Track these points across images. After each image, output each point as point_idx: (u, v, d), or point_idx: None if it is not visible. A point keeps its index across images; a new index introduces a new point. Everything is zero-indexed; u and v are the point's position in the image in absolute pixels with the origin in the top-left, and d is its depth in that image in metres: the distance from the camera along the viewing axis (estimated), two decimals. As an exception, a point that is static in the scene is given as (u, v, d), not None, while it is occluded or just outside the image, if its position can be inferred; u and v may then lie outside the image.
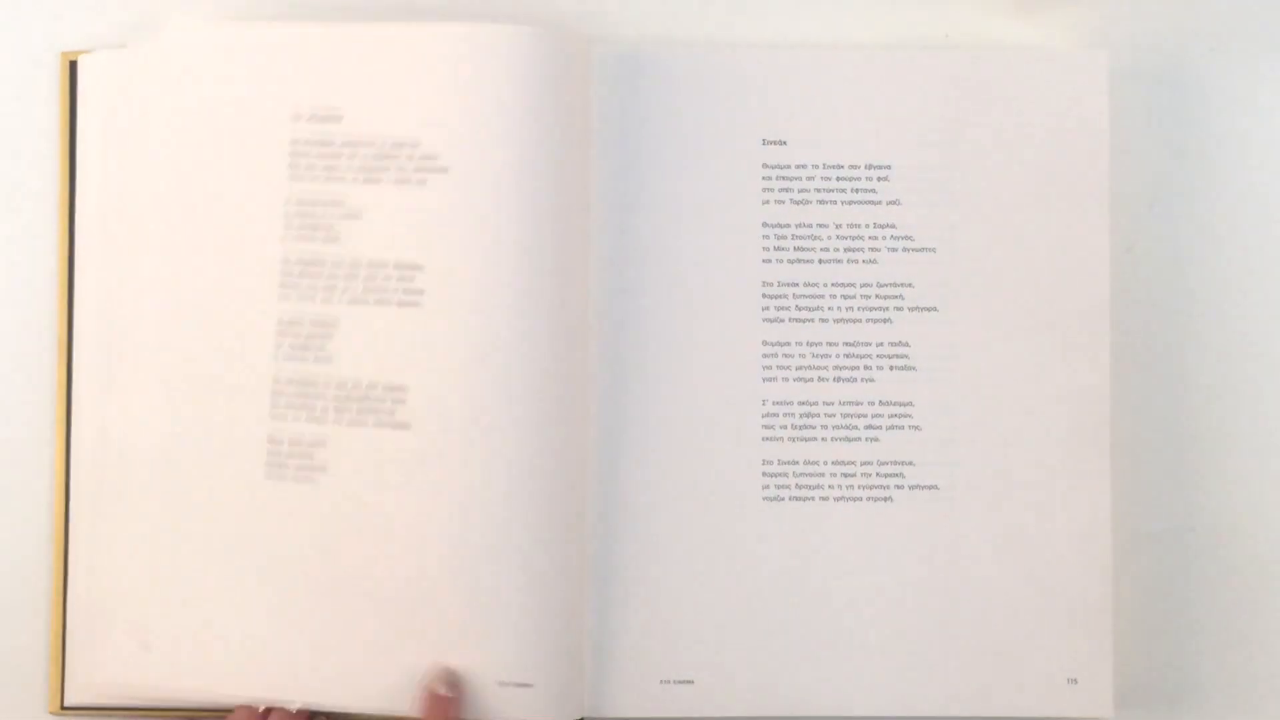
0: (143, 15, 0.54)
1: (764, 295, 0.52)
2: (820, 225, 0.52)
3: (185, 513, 0.51)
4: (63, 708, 0.52)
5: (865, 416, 0.52)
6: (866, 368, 0.52)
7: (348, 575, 0.49)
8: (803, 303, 0.52)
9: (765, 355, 0.52)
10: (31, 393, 0.53)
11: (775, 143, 0.52)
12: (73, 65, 0.53)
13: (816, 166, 0.52)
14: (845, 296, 0.52)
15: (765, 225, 0.52)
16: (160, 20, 0.52)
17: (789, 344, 0.52)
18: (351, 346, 0.50)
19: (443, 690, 0.48)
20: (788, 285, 0.52)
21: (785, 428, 0.52)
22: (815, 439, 0.52)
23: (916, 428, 0.52)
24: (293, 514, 0.50)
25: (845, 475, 0.52)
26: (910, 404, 0.52)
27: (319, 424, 0.50)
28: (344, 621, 0.50)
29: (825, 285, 0.52)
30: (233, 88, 0.51)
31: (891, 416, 0.52)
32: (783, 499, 0.52)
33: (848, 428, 0.52)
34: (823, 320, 0.52)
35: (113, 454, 0.51)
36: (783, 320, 0.52)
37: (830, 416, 0.52)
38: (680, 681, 0.51)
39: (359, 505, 0.49)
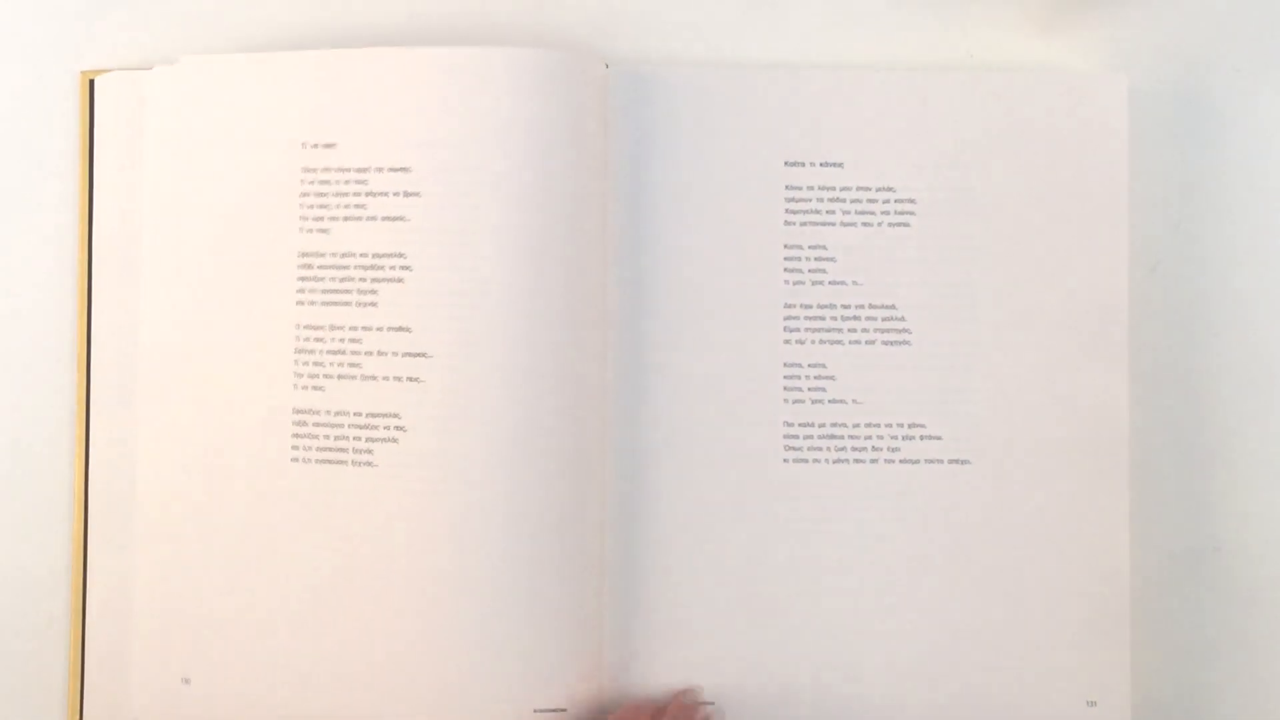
0: (163, 37, 0.54)
1: (786, 317, 0.52)
2: (841, 246, 0.52)
3: (215, 540, 0.51)
4: (80, 727, 0.52)
5: (884, 438, 0.52)
6: (886, 390, 0.52)
7: (383, 603, 0.50)
8: (823, 324, 0.52)
9: (787, 378, 0.52)
10: (51, 411, 0.53)
11: (797, 164, 0.52)
12: (92, 84, 0.54)
13: (839, 188, 0.52)
14: (868, 318, 0.52)
15: (787, 247, 0.52)
16: (179, 42, 0.53)
17: (802, 365, 0.52)
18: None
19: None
20: (806, 307, 0.52)
21: (803, 448, 0.52)
22: (842, 460, 0.52)
23: (936, 437, 0.52)
24: (323, 543, 0.50)
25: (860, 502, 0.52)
26: (923, 426, 0.52)
27: (340, 453, 0.50)
28: (382, 646, 0.50)
29: (846, 307, 0.52)
30: (248, 116, 0.52)
31: (905, 439, 0.52)
32: (798, 522, 0.51)
33: (870, 449, 0.52)
34: (836, 342, 0.52)
35: (133, 476, 0.52)
36: (805, 342, 0.52)
37: (854, 437, 0.52)
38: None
39: (387, 534, 0.50)
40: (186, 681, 0.51)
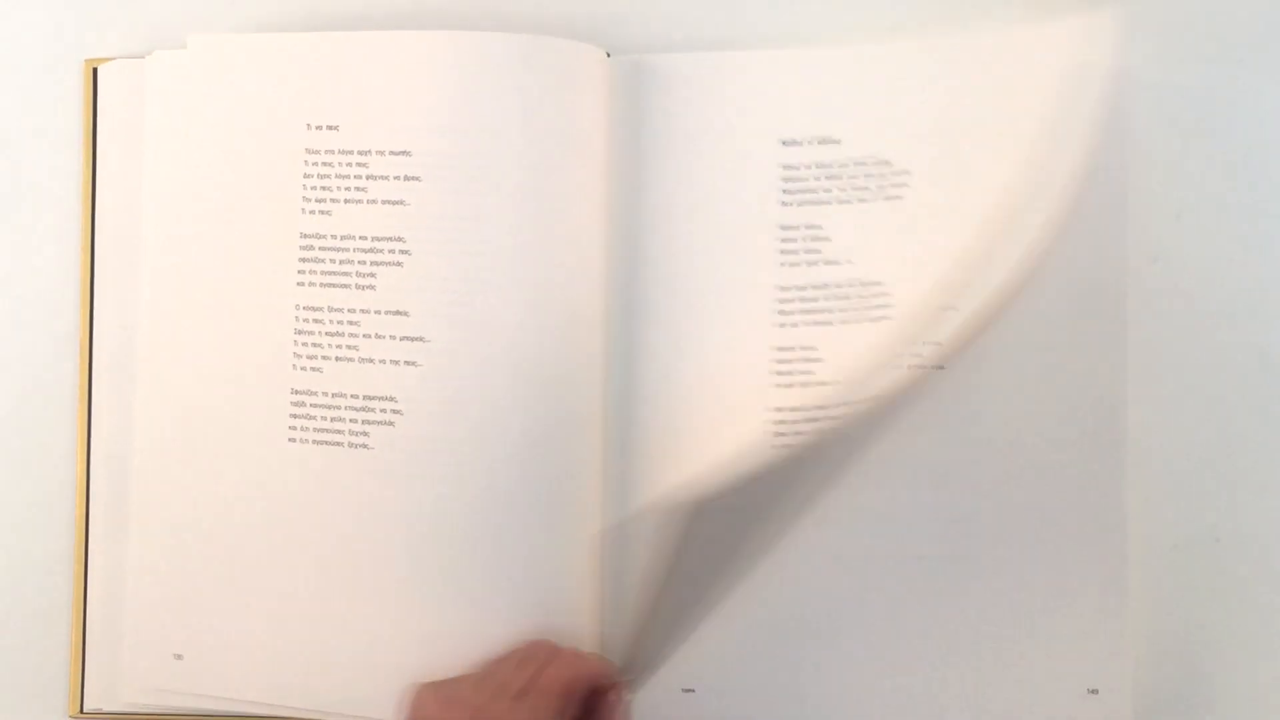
0: (166, 26, 0.55)
1: (779, 299, 0.52)
2: (834, 225, 0.52)
3: (208, 520, 0.51)
4: (82, 711, 0.52)
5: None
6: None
7: (375, 584, 0.50)
8: (815, 305, 0.52)
9: (779, 362, 0.51)
10: (54, 397, 0.54)
11: (793, 143, 0.52)
12: (95, 72, 0.54)
13: (835, 165, 0.52)
14: (860, 296, 0.51)
15: (783, 228, 0.52)
16: (182, 31, 0.53)
17: (795, 348, 0.51)
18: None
19: None
20: (801, 289, 0.52)
21: (788, 435, 0.51)
22: None
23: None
24: (318, 523, 0.50)
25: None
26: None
27: (336, 435, 0.51)
28: (373, 627, 0.50)
29: (839, 286, 0.52)
30: (252, 96, 0.52)
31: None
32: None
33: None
34: (828, 324, 0.52)
35: (132, 460, 0.52)
36: (796, 325, 0.51)
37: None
38: (685, 690, 0.51)
39: (381, 517, 0.50)
40: (179, 657, 0.51)
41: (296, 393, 0.51)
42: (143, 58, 0.54)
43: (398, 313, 0.50)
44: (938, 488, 0.51)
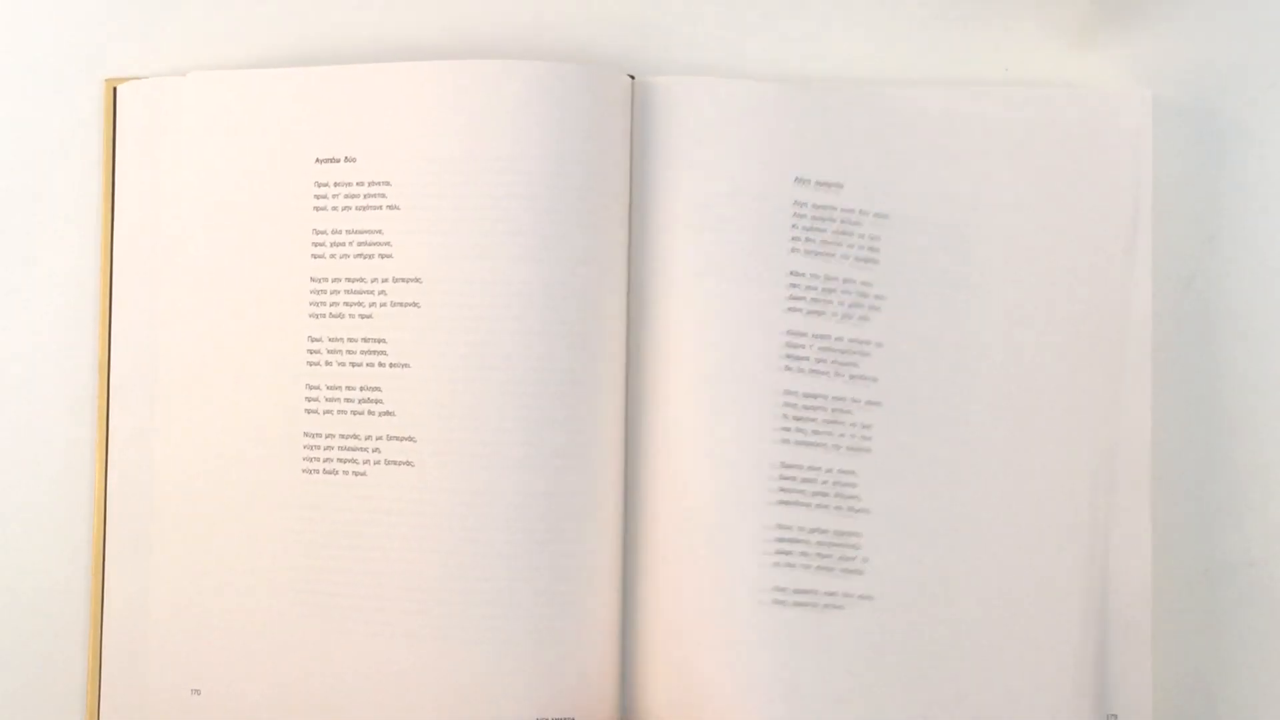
0: (188, 45, 0.55)
1: (788, 345, 0.51)
2: (847, 279, 0.51)
3: (226, 550, 0.51)
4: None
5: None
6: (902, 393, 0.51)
7: (390, 612, 0.50)
8: (829, 308, 0.51)
9: (786, 406, 0.51)
10: (73, 420, 0.54)
11: (810, 181, 0.51)
12: (115, 92, 0.54)
13: (839, 209, 0.51)
14: (876, 336, 0.51)
15: (793, 275, 0.51)
16: (204, 50, 0.54)
17: (816, 351, 0.51)
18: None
19: None
20: (809, 336, 0.51)
21: (801, 492, 0.51)
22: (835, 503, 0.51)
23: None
24: (337, 551, 0.51)
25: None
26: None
27: (357, 468, 0.51)
28: (390, 656, 0.50)
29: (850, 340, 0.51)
30: (261, 130, 0.52)
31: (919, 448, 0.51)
32: (793, 566, 0.51)
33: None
34: (849, 322, 0.51)
35: (151, 487, 0.52)
36: (804, 371, 0.51)
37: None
38: None
39: (395, 545, 0.50)
40: (196, 692, 0.51)
41: (309, 433, 0.51)
42: (163, 78, 0.53)
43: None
44: (961, 507, 0.51)
